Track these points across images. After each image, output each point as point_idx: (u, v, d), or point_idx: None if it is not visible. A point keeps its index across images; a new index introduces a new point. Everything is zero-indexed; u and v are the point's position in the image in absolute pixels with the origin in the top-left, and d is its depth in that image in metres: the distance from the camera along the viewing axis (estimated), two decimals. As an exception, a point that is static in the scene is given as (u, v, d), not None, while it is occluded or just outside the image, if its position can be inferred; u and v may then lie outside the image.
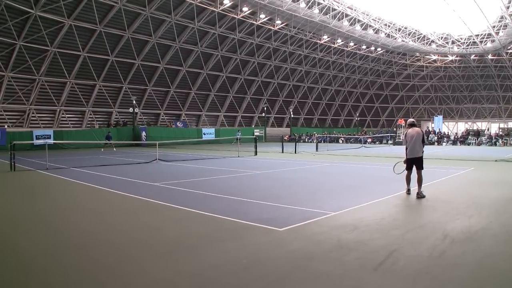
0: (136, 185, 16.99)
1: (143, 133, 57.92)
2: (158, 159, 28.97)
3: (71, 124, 58.84)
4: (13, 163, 23.55)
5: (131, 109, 58.32)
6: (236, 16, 61.26)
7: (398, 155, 35.48)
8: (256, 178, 19.75)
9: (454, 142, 62.82)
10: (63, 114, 57.62)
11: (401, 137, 14.03)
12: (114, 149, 46.36)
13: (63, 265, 7.00)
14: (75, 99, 57.96)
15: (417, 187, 13.61)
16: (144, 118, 67.14)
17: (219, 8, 57.73)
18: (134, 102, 58.30)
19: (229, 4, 58.28)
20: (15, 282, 6.30)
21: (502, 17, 71.32)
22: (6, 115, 52.09)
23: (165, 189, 15.70)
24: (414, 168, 13.94)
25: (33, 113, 54.20)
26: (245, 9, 60.58)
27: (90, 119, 60.39)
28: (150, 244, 8.34)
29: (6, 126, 49.95)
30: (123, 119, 63.05)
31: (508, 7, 66.72)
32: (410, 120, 14.90)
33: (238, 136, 46.47)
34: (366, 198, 13.21)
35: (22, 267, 6.93)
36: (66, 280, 6.33)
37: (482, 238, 8.59)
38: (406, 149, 14.11)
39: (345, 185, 17.10)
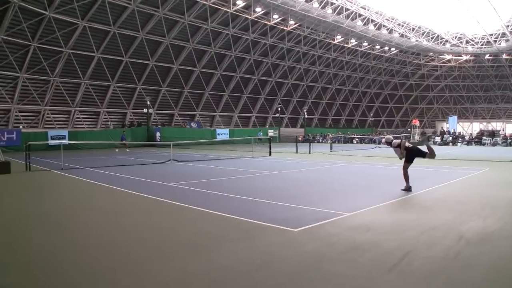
0: (150, 185, 17.04)
1: (158, 134, 58.01)
2: (173, 160, 29.04)
3: (86, 124, 59.10)
4: (28, 163, 23.73)
5: (145, 110, 58.31)
6: (249, 17, 61.37)
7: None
8: (270, 179, 19.69)
9: (469, 143, 62.40)
10: (77, 114, 57.87)
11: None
12: (127, 149, 46.34)
13: (74, 265, 7.03)
14: (90, 100, 58.24)
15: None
16: (158, 119, 67.30)
17: (232, 8, 57.87)
18: (148, 102, 58.34)
19: (242, 5, 58.38)
20: (31, 281, 6.33)
21: (515, 16, 71.15)
22: (21, 115, 52.41)
23: (178, 189, 15.74)
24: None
25: (48, 113, 54.50)
26: (258, 9, 60.67)
27: (104, 119, 60.60)
28: (162, 244, 8.36)
29: (21, 127, 50.19)
30: (138, 120, 63.18)
31: (523, 6, 66.48)
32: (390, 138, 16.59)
33: (260, 136, 46.51)
34: (380, 199, 13.17)
35: (37, 266, 6.98)
36: (78, 280, 6.35)
37: (497, 239, 8.54)
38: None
39: (359, 185, 17.04)
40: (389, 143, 15.96)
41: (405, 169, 14.96)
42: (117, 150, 45.38)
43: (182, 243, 8.40)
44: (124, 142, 45.81)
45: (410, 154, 15.02)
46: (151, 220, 10.68)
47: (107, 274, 6.63)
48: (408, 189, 14.58)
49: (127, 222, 10.46)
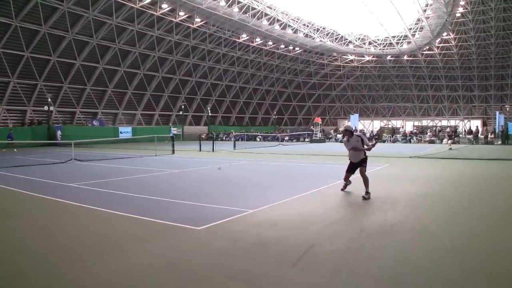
0: (50, 186, 16.45)
1: (59, 132, 56.42)
2: (74, 159, 28.25)
3: (-17, 122, 56.80)
4: None
5: (46, 107, 56.65)
6: (155, 13, 60.71)
7: (315, 152, 36.10)
8: (173, 177, 19.63)
9: (370, 139, 63.94)
10: (-26, 112, 55.65)
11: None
12: (15, 149, 43.66)
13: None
14: (-13, 97, 56.00)
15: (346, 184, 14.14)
16: (60, 117, 65.34)
17: (138, 4, 57.06)
18: (50, 100, 56.64)
19: (148, 1, 57.68)
20: None
21: (418, 20, 73.94)
22: None
23: (81, 189, 15.27)
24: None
25: None
26: (164, 6, 60.09)
27: (4, 117, 58.38)
28: (70, 246, 8.10)
29: None
30: (38, 118, 61.20)
31: (425, 10, 69.15)
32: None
33: (173, 133, 46.15)
34: (284, 195, 13.33)
35: None
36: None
37: (398, 232, 8.83)
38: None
39: (263, 182, 17.18)
40: (350, 131, 13.83)
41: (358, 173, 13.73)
42: (4, 150, 42.67)
43: (87, 245, 8.17)
44: (12, 141, 42.94)
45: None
46: (54, 222, 10.33)
47: (19, 280, 6.38)
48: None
49: (30, 225, 10.04)
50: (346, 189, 13.83)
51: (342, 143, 14.40)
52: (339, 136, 66.65)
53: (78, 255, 7.45)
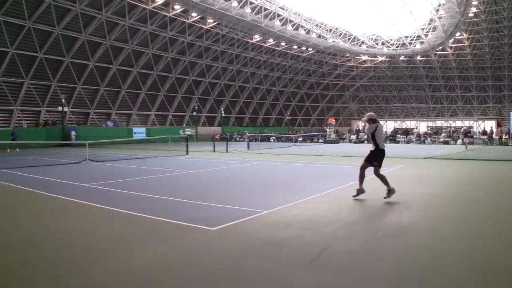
0: (65, 186, 16.53)
1: (73, 133, 56.68)
2: (88, 159, 28.38)
3: (-2, 123, 57.11)
4: None
5: (60, 108, 56.91)
6: (168, 14, 60.93)
7: (329, 153, 36.03)
8: (187, 178, 19.64)
9: (384, 140, 63.72)
10: (-12, 113, 55.95)
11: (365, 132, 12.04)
12: (17, 149, 43.85)
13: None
14: (2, 98, 56.00)
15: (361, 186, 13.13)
16: (74, 117, 65.69)
17: (151, 5, 57.29)
18: (63, 100, 56.97)
19: (160, 2, 57.91)
20: None
21: (431, 20, 73.57)
22: None
23: (95, 189, 15.34)
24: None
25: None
26: (177, 7, 60.31)
27: (18, 118, 58.71)
28: (78, 246, 8.11)
29: None
30: (52, 119, 61.52)
31: (437, 10, 68.79)
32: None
33: (182, 134, 46.26)
34: (298, 195, 13.29)
35: None
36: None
37: (412, 234, 8.77)
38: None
39: (277, 183, 17.14)
40: (373, 120, 13.69)
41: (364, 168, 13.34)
42: (8, 150, 42.68)
43: (101, 244, 8.21)
44: (15, 141, 43.08)
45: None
46: (68, 222, 10.37)
47: (28, 276, 6.44)
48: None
49: (43, 224, 10.14)
50: (357, 191, 13.14)
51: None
52: (353, 137, 66.68)
53: (93, 254, 7.49)
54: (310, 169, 23.73)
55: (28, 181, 17.61)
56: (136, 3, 56.13)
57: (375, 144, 13.19)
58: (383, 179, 12.75)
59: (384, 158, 13.32)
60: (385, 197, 12.49)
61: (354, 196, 12.78)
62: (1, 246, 8.13)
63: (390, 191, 12.57)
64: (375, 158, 13.12)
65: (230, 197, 13.60)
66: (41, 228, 9.78)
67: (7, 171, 22.20)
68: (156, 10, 59.32)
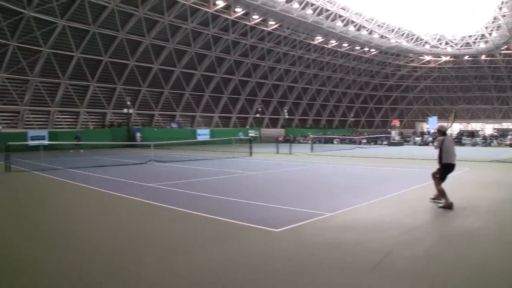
0: (130, 186, 16.95)
1: (138, 134, 57.79)
2: (153, 160, 28.90)
3: (66, 125, 58.42)
4: (8, 164, 23.48)
5: (125, 110, 57.99)
6: (230, 17, 61.40)
7: (393, 155, 35.58)
8: (250, 179, 19.75)
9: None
10: (57, 115, 57.26)
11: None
12: (81, 150, 45.46)
13: (56, 266, 7.02)
14: (70, 100, 57.61)
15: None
16: (139, 119, 66.89)
17: (212, 9, 57.85)
18: (129, 103, 58.08)
19: (222, 5, 58.40)
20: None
21: (495, 18, 71.68)
22: (0, 116, 51.80)
23: (160, 190, 15.67)
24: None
25: (27, 114, 53.89)
26: (238, 10, 60.78)
27: (84, 120, 60.09)
28: (144, 246, 8.31)
29: (0, 127, 49.58)
30: (118, 120, 62.77)
31: (501, 8, 67.04)
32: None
33: (241, 136, 46.42)
34: (361, 198, 13.20)
35: (22, 267, 6.91)
36: (59, 282, 6.33)
37: (478, 239, 8.60)
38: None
39: (340, 185, 17.07)
40: (440, 131, 12.77)
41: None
42: (71, 151, 44.14)
43: (166, 244, 8.37)
44: (79, 142, 44.88)
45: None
46: (132, 221, 10.64)
47: (91, 276, 6.61)
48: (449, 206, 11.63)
49: (107, 223, 10.44)
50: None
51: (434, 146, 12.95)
52: (417, 139, 65.72)
53: (148, 255, 7.61)
54: (374, 171, 23.51)
55: (99, 182, 18.06)
56: (198, 7, 56.73)
57: (439, 161, 12.37)
58: (439, 192, 12.00)
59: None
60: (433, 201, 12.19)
61: (440, 207, 11.80)
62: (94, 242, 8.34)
63: (437, 202, 12.00)
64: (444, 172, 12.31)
65: (293, 198, 13.58)
66: (99, 227, 9.98)
67: (77, 171, 22.84)
68: (217, 13, 59.87)
